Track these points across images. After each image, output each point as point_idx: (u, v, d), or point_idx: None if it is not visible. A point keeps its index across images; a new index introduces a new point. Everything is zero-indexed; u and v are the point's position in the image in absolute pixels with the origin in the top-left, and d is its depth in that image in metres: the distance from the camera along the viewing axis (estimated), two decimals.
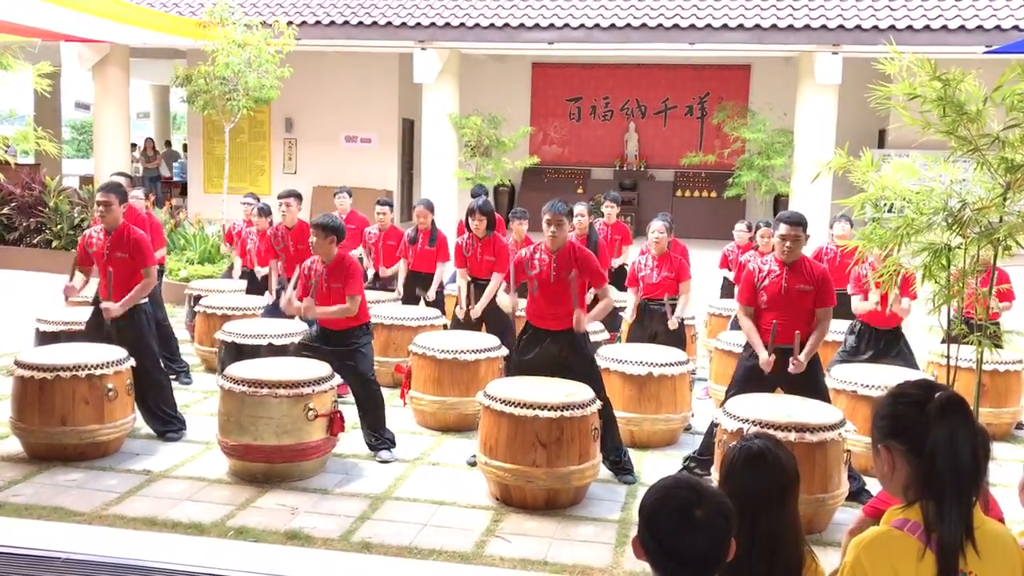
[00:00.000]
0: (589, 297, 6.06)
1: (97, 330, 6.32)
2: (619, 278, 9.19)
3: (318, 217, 6.28)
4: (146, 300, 6.41)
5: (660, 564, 1.89)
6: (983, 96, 4.73)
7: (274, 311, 7.78)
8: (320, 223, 6.13)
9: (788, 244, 5.49)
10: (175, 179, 22.13)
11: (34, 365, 5.75)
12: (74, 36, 13.42)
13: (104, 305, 6.17)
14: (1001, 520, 2.79)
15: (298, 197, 8.25)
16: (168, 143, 24.70)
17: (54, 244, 13.57)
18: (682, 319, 7.34)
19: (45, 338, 7.28)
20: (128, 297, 6.21)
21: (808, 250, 7.53)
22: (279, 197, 8.22)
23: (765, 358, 5.42)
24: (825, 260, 7.95)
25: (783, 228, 5.53)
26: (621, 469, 5.77)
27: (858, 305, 6.77)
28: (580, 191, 17.50)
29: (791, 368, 5.36)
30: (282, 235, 8.08)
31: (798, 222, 5.56)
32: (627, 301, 7.58)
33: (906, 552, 1.88)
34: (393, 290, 8.96)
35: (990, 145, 4.78)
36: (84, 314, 6.70)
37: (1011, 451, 6.58)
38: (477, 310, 7.49)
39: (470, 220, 7.69)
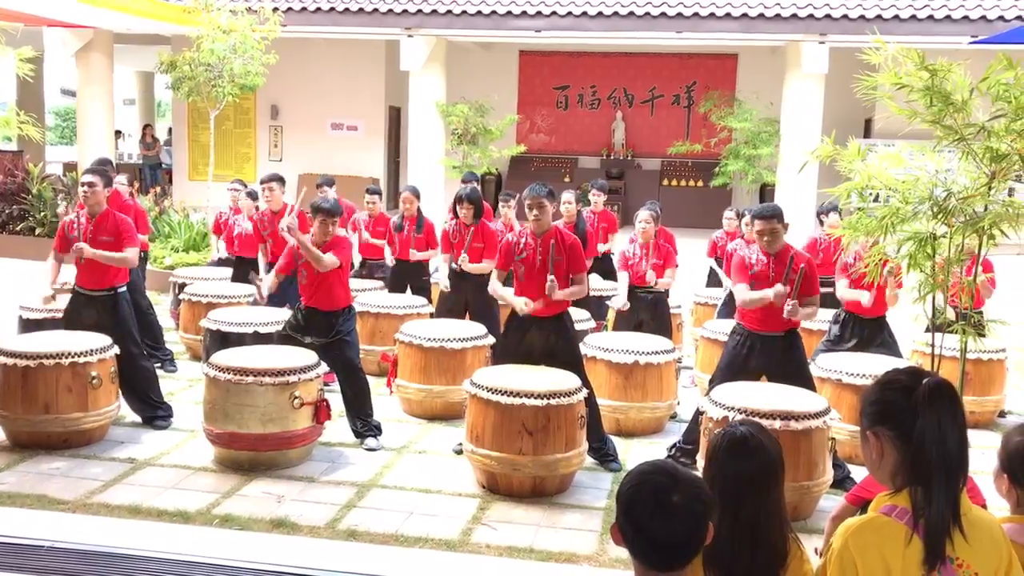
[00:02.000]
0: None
1: (76, 319, 6.27)
2: (605, 266, 9.21)
3: (319, 202, 6.27)
4: (124, 289, 6.37)
5: (638, 549, 1.89)
6: (969, 86, 4.75)
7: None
8: (324, 208, 6.14)
9: (765, 238, 5.48)
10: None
11: (17, 353, 5.70)
12: (57, 21, 13.30)
13: (77, 245, 6.05)
14: (983, 506, 2.81)
15: (281, 181, 8.23)
16: (169, 130, 24.40)
17: (37, 231, 13.45)
18: (668, 306, 7.36)
19: (28, 326, 7.23)
20: (106, 255, 6.10)
21: (801, 241, 7.55)
22: (261, 182, 8.18)
23: (779, 290, 5.27)
24: (820, 250, 7.90)
25: (757, 224, 5.51)
26: (605, 456, 5.78)
27: (843, 292, 6.78)
28: (567, 180, 17.49)
29: (785, 311, 5.27)
30: (268, 220, 8.05)
31: (772, 214, 5.51)
32: (619, 286, 7.58)
33: (893, 538, 1.89)
34: (380, 279, 8.97)
35: (976, 135, 4.80)
36: (65, 302, 6.63)
37: (994, 439, 6.62)
38: (471, 268, 7.43)
39: (458, 208, 7.69)
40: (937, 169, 4.91)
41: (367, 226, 9.10)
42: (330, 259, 5.98)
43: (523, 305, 5.67)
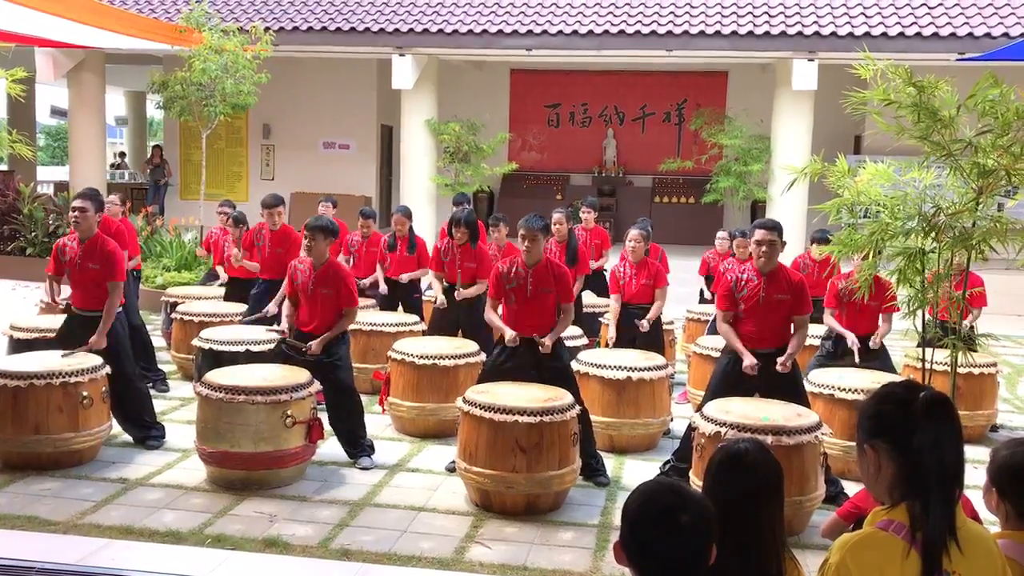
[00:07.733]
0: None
1: (70, 339, 6.23)
2: (598, 282, 9.23)
3: (314, 219, 6.25)
4: (119, 309, 6.34)
5: (644, 569, 1.88)
6: (956, 102, 4.80)
7: (252, 317, 7.75)
8: (318, 226, 6.12)
9: (764, 249, 5.51)
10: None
11: (7, 373, 5.67)
12: (48, 41, 13.29)
13: (92, 341, 6.05)
14: (976, 519, 2.81)
15: (283, 203, 8.28)
16: (161, 149, 24.26)
17: (28, 251, 13.43)
18: (660, 322, 7.37)
19: (19, 346, 7.19)
20: (103, 326, 6.09)
21: (786, 259, 7.58)
22: (271, 206, 8.10)
23: (750, 362, 5.44)
24: (804, 271, 7.97)
25: (758, 233, 5.55)
26: (594, 471, 5.78)
27: (829, 321, 6.85)
28: (559, 197, 17.52)
29: (779, 367, 5.38)
30: (265, 235, 8.08)
31: (773, 227, 5.58)
32: (609, 308, 7.59)
33: (891, 553, 1.89)
34: (372, 297, 8.97)
35: (963, 150, 4.84)
36: (58, 322, 6.63)
37: (985, 454, 6.62)
38: (466, 294, 7.59)
39: (453, 230, 7.72)
40: (925, 184, 4.95)
41: (361, 247, 9.11)
42: (354, 316, 6.21)
43: (511, 338, 5.73)
